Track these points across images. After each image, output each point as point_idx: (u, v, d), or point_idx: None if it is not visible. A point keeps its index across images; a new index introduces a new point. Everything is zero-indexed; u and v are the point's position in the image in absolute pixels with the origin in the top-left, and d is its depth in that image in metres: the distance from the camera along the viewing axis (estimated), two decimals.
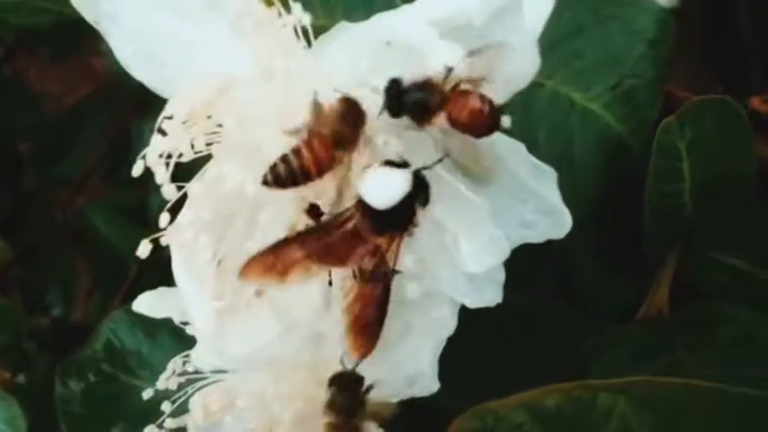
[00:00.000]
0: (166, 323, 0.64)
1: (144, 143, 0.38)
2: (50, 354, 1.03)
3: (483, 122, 0.38)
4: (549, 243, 0.50)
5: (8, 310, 1.01)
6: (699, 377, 0.63)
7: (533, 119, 0.66)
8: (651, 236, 0.68)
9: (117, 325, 0.77)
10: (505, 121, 0.39)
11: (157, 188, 0.39)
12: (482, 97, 0.38)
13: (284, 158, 0.37)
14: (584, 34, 0.68)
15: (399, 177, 0.34)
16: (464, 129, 0.39)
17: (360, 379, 0.43)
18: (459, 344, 0.52)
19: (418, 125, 0.37)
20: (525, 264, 0.65)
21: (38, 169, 1.26)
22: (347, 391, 0.43)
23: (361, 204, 0.38)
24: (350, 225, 0.39)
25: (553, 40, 0.68)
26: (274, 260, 0.39)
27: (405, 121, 0.38)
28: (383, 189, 0.34)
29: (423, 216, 0.40)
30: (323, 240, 0.39)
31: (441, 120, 0.38)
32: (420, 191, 0.39)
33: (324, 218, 0.39)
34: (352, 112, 0.37)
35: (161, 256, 0.43)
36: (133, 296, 0.53)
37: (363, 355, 0.43)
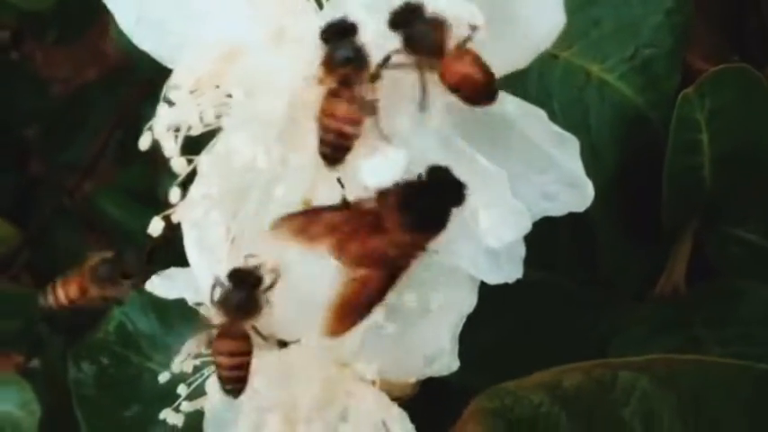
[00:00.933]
0: (178, 304, 0.63)
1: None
2: (63, 337, 1.03)
3: (474, 89, 0.36)
4: (566, 217, 0.48)
5: (19, 295, 1.01)
6: (717, 354, 0.62)
7: (548, 91, 0.65)
8: (670, 210, 0.66)
9: (129, 307, 0.77)
10: (510, 97, 0.37)
11: (168, 169, 0.37)
12: (477, 61, 0.35)
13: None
14: (599, 3, 0.66)
15: (398, 157, 0.33)
16: (456, 93, 0.36)
17: (258, 279, 0.40)
18: (477, 321, 0.51)
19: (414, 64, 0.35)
20: (542, 238, 0.64)
21: (46, 154, 1.25)
22: (243, 288, 0.40)
23: (395, 197, 0.37)
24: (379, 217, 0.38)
25: (568, 11, 0.66)
26: (306, 224, 0.37)
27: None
28: (382, 169, 0.33)
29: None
30: (349, 227, 0.37)
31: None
32: (454, 190, 0.38)
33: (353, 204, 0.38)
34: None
35: (173, 237, 0.42)
36: (146, 277, 0.52)
37: (333, 336, 0.40)
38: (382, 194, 0.37)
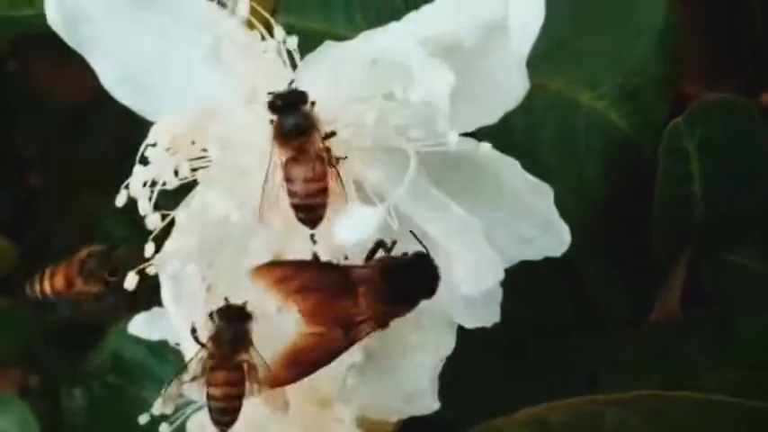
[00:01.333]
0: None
1: None
2: (61, 355, 1.03)
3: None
4: None
5: (16, 313, 1.01)
6: (712, 383, 0.62)
7: (537, 121, 0.65)
8: (661, 238, 0.66)
9: (122, 336, 0.77)
10: (485, 146, 0.38)
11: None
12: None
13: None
14: (588, 32, 0.66)
15: (371, 215, 0.33)
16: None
17: (248, 315, 0.41)
18: (466, 355, 0.51)
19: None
20: (531, 270, 0.64)
21: (44, 168, 1.25)
22: (233, 323, 0.41)
23: (379, 270, 0.38)
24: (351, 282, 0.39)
25: (557, 39, 0.66)
26: (284, 277, 0.38)
27: (382, 147, 0.37)
28: (355, 227, 0.33)
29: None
30: (322, 286, 0.38)
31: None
32: (432, 279, 0.39)
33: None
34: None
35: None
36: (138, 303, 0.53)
37: (273, 384, 0.41)
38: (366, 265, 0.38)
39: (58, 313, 1.16)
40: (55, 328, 1.07)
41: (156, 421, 0.53)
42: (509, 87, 0.35)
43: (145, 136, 0.37)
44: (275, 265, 0.38)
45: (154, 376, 0.72)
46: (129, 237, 1.11)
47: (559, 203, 0.44)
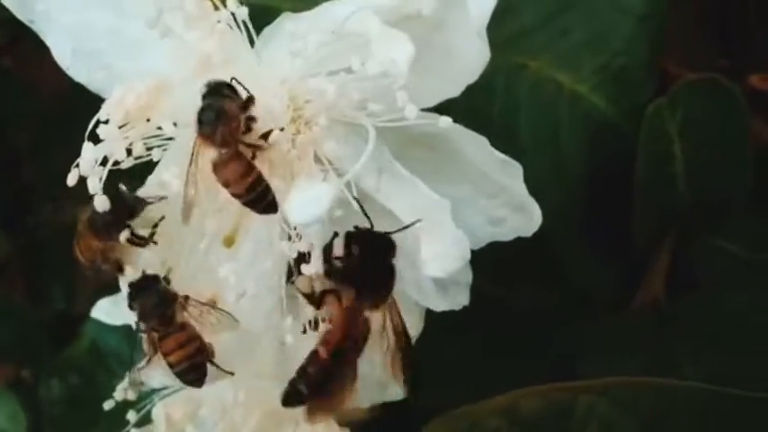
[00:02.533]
0: None
1: None
2: (55, 347, 1.02)
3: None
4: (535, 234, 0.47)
5: (10, 304, 1.01)
6: (692, 369, 0.61)
7: (517, 102, 0.63)
8: (643, 221, 0.65)
9: (101, 325, 0.76)
10: (445, 120, 0.36)
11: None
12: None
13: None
14: (570, 11, 0.65)
15: (324, 192, 0.32)
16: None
17: (154, 276, 0.40)
18: (442, 340, 0.50)
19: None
20: (510, 253, 0.63)
21: (37, 161, 1.24)
22: (151, 292, 0.40)
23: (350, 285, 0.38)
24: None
25: (538, 19, 0.64)
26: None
27: (343, 123, 0.35)
28: (307, 206, 0.32)
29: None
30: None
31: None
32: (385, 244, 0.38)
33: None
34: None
35: None
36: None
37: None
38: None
39: (53, 306, 1.15)
40: (49, 320, 1.06)
41: (125, 408, 0.52)
42: (469, 58, 0.34)
43: None
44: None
45: (127, 364, 0.71)
46: None
47: (538, 186, 0.43)
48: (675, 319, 0.67)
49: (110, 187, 0.36)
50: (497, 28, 0.39)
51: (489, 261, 0.46)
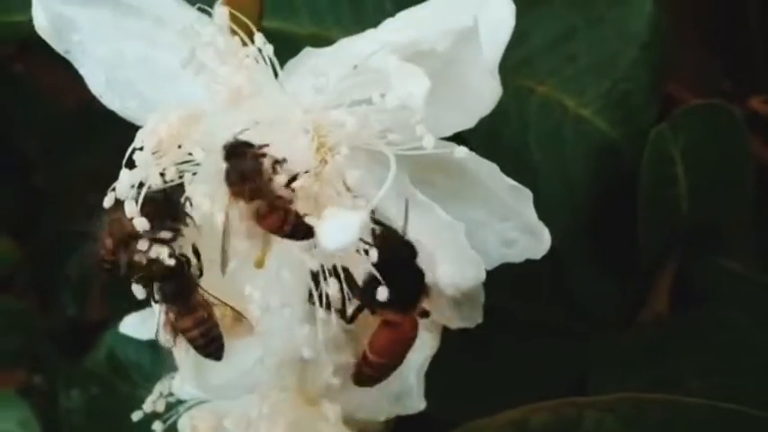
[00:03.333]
0: None
1: None
2: (66, 354, 1.03)
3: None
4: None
5: (21, 311, 1.02)
6: (696, 386, 0.63)
7: (527, 124, 0.66)
8: (647, 241, 0.67)
9: (119, 336, 0.77)
10: (461, 150, 0.38)
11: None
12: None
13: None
14: (576, 38, 0.67)
15: (353, 219, 0.34)
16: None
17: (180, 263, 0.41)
18: (452, 356, 0.52)
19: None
20: (520, 273, 0.65)
21: (48, 168, 1.25)
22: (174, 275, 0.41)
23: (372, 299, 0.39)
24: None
25: (545, 45, 0.67)
26: None
27: (365, 151, 0.38)
28: (338, 232, 0.34)
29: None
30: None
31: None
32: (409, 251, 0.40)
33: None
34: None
35: None
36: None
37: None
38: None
39: (64, 313, 1.17)
40: (60, 328, 1.07)
41: (149, 420, 0.54)
42: (482, 92, 0.36)
43: None
44: None
45: (149, 375, 0.73)
46: None
47: (546, 206, 0.45)
48: (680, 336, 0.68)
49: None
50: (507, 53, 0.41)
51: (502, 279, 0.48)
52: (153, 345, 0.75)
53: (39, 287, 1.15)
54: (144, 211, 0.37)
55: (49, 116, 1.21)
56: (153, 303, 0.42)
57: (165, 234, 0.39)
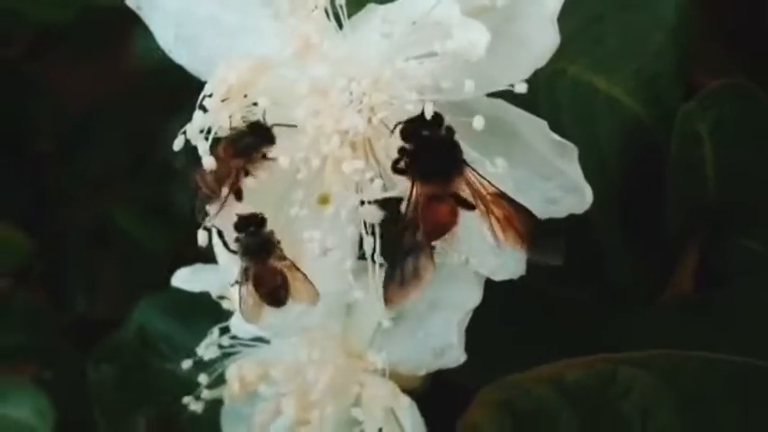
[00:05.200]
0: (198, 307, 0.65)
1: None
2: (76, 350, 1.04)
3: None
4: (574, 229, 0.50)
5: (32, 306, 1.03)
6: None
7: (557, 103, 0.67)
8: (675, 220, 0.68)
9: (148, 310, 0.79)
10: (522, 87, 0.40)
11: (180, 183, 0.41)
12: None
13: None
14: (605, 21, 0.69)
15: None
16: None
17: (262, 219, 0.43)
18: (485, 328, 0.54)
19: None
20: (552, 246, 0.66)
21: (60, 167, 1.27)
22: (254, 233, 0.43)
23: (414, 171, 0.40)
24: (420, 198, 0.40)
25: (575, 28, 0.69)
26: (401, 274, 0.40)
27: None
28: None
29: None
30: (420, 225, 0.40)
31: None
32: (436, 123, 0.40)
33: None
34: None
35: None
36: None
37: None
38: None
39: (75, 309, 1.18)
40: (71, 323, 1.09)
41: (186, 382, 0.55)
42: (539, 45, 0.38)
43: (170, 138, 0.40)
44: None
45: (178, 347, 0.74)
46: (144, 231, 1.14)
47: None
48: (703, 316, 0.69)
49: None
50: None
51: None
52: (179, 315, 0.77)
53: (49, 283, 1.17)
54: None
55: (60, 114, 1.23)
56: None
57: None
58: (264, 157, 0.41)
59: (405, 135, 0.40)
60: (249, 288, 0.43)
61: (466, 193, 0.41)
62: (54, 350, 1.02)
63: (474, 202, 0.41)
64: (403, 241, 0.40)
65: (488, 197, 0.41)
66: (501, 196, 0.41)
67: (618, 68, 0.68)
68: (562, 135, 0.68)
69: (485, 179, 0.41)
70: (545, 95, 0.67)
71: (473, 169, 0.41)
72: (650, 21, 0.69)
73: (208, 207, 0.42)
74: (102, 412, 0.77)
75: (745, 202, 0.69)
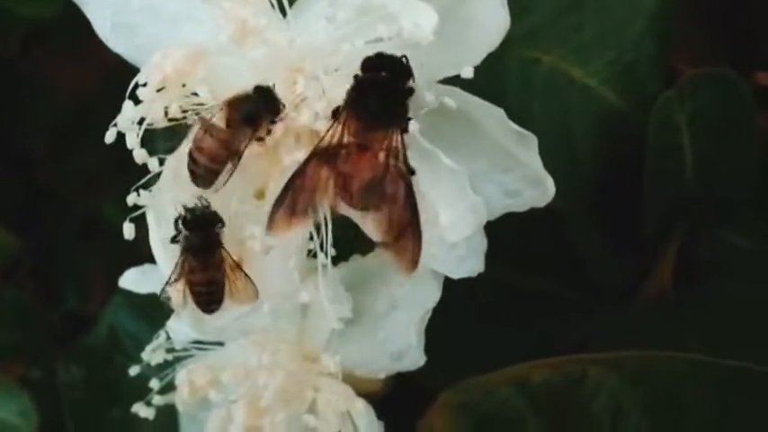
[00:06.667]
0: (165, 308, 0.63)
1: None
2: (65, 347, 1.03)
3: None
4: (547, 220, 0.48)
5: (21, 304, 1.02)
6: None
7: (530, 94, 0.65)
8: (652, 212, 0.66)
9: (119, 309, 0.78)
10: (468, 71, 0.38)
11: None
12: None
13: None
14: (583, 8, 0.67)
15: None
16: None
17: (212, 216, 0.41)
18: (452, 322, 0.52)
19: None
20: (527, 242, 0.64)
21: (50, 164, 1.26)
22: (201, 230, 0.41)
23: (348, 110, 0.37)
24: (346, 140, 0.37)
25: (551, 14, 0.67)
26: (293, 202, 0.37)
27: None
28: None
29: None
30: (333, 164, 0.37)
31: None
32: (401, 71, 0.37)
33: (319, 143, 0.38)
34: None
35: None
36: None
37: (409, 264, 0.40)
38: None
39: (64, 306, 1.16)
40: (60, 321, 1.07)
41: (146, 381, 0.53)
42: (490, 27, 0.36)
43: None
44: (273, 208, 0.37)
45: (143, 345, 0.73)
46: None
47: (552, 177, 0.45)
48: (682, 310, 0.68)
49: None
50: (512, 24, 0.41)
51: (508, 249, 0.47)
52: (150, 316, 0.76)
53: (38, 280, 1.16)
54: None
55: (52, 113, 1.22)
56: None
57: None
58: (269, 129, 0.38)
59: (365, 65, 0.37)
60: (185, 283, 0.41)
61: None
62: (42, 349, 1.01)
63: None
64: (305, 169, 0.37)
65: (393, 170, 0.38)
66: (404, 179, 0.38)
67: (594, 58, 0.66)
68: (534, 126, 0.67)
69: (408, 164, 0.38)
70: (517, 85, 0.65)
71: (402, 145, 0.38)
72: (630, 7, 0.67)
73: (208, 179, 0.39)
74: (70, 413, 0.76)
75: (724, 193, 0.67)
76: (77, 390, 0.77)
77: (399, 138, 0.38)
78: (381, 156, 0.37)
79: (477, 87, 0.41)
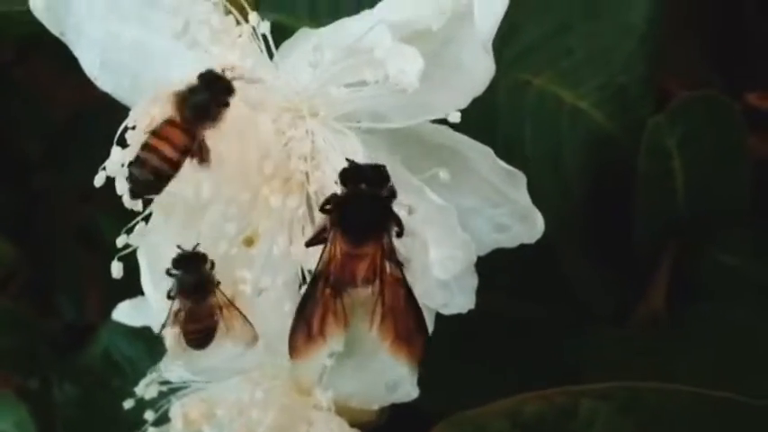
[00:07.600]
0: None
1: None
2: (62, 358, 1.03)
3: None
4: (538, 246, 0.48)
5: (18, 314, 1.01)
6: (690, 383, 0.62)
7: (521, 118, 0.66)
8: (644, 235, 0.67)
9: (114, 332, 0.78)
10: (455, 116, 0.38)
11: None
12: None
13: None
14: (573, 31, 0.67)
15: None
16: None
17: (203, 257, 0.41)
18: (444, 350, 0.52)
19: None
20: (518, 266, 0.64)
21: (47, 173, 1.26)
22: (193, 270, 0.41)
23: (337, 224, 0.38)
24: (338, 252, 0.38)
25: (541, 37, 0.67)
26: (308, 327, 0.38)
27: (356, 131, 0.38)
28: None
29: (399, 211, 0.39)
30: (331, 278, 0.38)
31: None
32: (382, 184, 0.38)
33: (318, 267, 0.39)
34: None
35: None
36: None
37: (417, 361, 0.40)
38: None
39: (62, 317, 1.16)
40: (57, 331, 1.07)
41: (141, 410, 0.53)
42: (476, 71, 0.36)
43: None
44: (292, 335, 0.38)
45: (142, 370, 0.73)
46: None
47: (542, 198, 0.45)
48: (675, 333, 0.68)
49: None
50: (502, 47, 0.41)
51: (498, 274, 0.47)
52: (146, 339, 0.76)
53: (35, 290, 1.15)
54: None
55: (47, 120, 1.22)
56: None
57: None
58: (225, 108, 0.37)
59: (342, 178, 0.37)
60: (180, 328, 0.41)
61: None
62: (40, 359, 1.01)
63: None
64: (312, 291, 0.38)
65: (390, 278, 0.38)
66: (401, 284, 0.39)
67: (585, 80, 0.66)
68: (524, 149, 0.67)
69: (399, 261, 0.39)
70: (508, 109, 0.65)
71: (392, 245, 0.38)
72: (619, 29, 0.67)
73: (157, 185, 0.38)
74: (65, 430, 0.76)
75: (716, 216, 0.67)
76: (71, 408, 0.78)
77: (389, 239, 0.38)
78: (377, 258, 0.38)
79: (468, 110, 0.41)
